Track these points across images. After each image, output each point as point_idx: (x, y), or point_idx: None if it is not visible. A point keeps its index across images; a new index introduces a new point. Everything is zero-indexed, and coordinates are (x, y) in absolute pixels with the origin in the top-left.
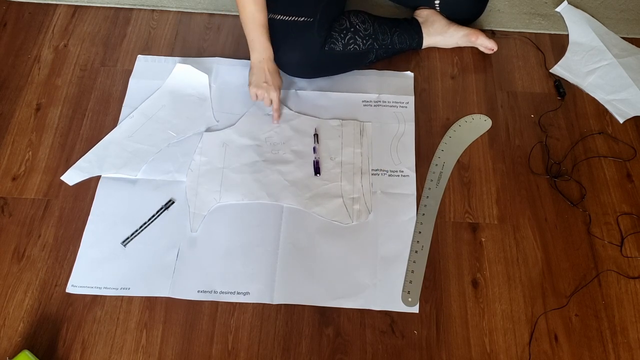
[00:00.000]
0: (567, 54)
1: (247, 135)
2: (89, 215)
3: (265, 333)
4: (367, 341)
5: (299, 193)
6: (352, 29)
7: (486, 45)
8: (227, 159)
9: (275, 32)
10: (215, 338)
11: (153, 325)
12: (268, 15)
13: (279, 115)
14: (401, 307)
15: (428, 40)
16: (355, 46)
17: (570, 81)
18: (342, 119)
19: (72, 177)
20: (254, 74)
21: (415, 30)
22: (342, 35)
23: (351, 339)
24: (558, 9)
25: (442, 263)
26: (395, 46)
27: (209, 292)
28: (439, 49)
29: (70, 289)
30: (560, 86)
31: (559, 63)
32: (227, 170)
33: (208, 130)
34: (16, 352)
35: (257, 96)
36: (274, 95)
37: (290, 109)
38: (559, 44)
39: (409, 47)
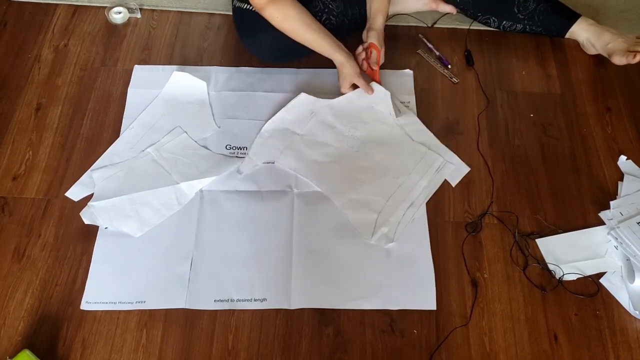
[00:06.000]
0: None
1: (337, 117)
2: None
3: (265, 332)
4: (367, 340)
5: (344, 191)
6: (325, 10)
7: (445, 10)
8: (307, 128)
9: (248, 22)
10: (216, 337)
11: (153, 325)
12: (236, 4)
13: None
14: (420, 305)
15: (391, 9)
16: (330, 25)
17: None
18: (429, 148)
19: (76, 193)
20: (346, 69)
21: None
22: (317, 17)
23: (351, 338)
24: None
25: (442, 263)
26: (364, 19)
27: (226, 300)
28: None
29: (84, 305)
30: (470, 57)
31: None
32: (299, 138)
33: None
34: (16, 352)
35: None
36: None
37: (391, 115)
38: (559, 44)
39: None
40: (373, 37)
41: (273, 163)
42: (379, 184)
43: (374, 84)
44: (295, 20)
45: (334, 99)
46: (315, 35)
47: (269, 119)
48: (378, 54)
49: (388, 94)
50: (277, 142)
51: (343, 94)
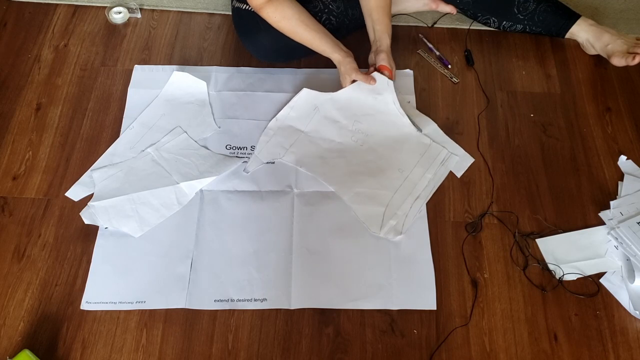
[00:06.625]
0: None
1: (341, 111)
2: None
3: (265, 332)
4: (367, 340)
5: (350, 185)
6: (325, 10)
7: (445, 10)
8: (311, 124)
9: (247, 22)
10: (216, 337)
11: (153, 325)
12: (235, 5)
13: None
14: (420, 305)
15: (393, 8)
16: (330, 25)
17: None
18: (433, 140)
19: (76, 193)
20: (344, 66)
21: None
22: (317, 17)
23: (351, 338)
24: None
25: (442, 262)
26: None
27: (226, 300)
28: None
29: (84, 305)
30: (470, 57)
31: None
32: (304, 136)
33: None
34: (16, 352)
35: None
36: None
37: (395, 105)
38: (559, 44)
39: None
40: (383, 59)
41: (279, 160)
42: (385, 178)
43: (376, 74)
44: (293, 20)
45: (336, 92)
46: (314, 34)
47: (270, 118)
48: (391, 75)
49: (391, 82)
50: (283, 139)
51: None
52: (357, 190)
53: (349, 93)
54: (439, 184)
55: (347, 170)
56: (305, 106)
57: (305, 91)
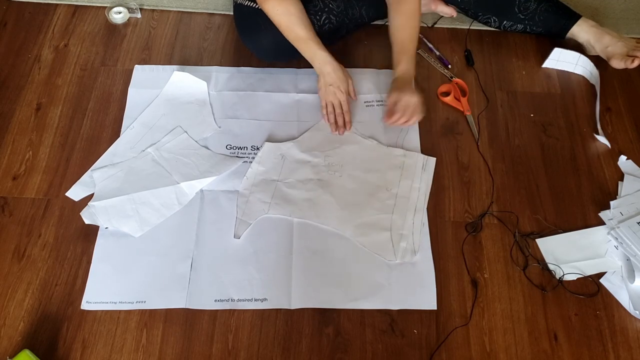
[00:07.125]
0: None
1: (307, 151)
2: None
3: (265, 332)
4: (367, 340)
5: (348, 219)
6: (325, 9)
7: (445, 12)
8: (283, 172)
9: (248, 19)
10: (216, 337)
11: (153, 325)
12: (238, 1)
13: (349, 120)
14: (420, 305)
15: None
16: (330, 25)
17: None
18: (406, 149)
19: (77, 192)
20: (319, 80)
21: (381, 2)
22: (317, 16)
23: (351, 338)
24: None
25: (442, 262)
26: (364, 19)
27: (226, 300)
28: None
29: (85, 305)
30: (470, 57)
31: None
32: (281, 184)
33: (269, 140)
34: (17, 352)
35: (327, 105)
36: (341, 97)
37: (356, 132)
38: (559, 44)
39: (378, 18)
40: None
41: (266, 215)
42: (377, 201)
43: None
44: (293, 17)
45: (297, 138)
46: (309, 33)
47: (267, 119)
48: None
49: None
50: (261, 195)
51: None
52: (355, 223)
53: (309, 136)
54: (429, 190)
55: (337, 205)
56: (272, 158)
57: (267, 145)
